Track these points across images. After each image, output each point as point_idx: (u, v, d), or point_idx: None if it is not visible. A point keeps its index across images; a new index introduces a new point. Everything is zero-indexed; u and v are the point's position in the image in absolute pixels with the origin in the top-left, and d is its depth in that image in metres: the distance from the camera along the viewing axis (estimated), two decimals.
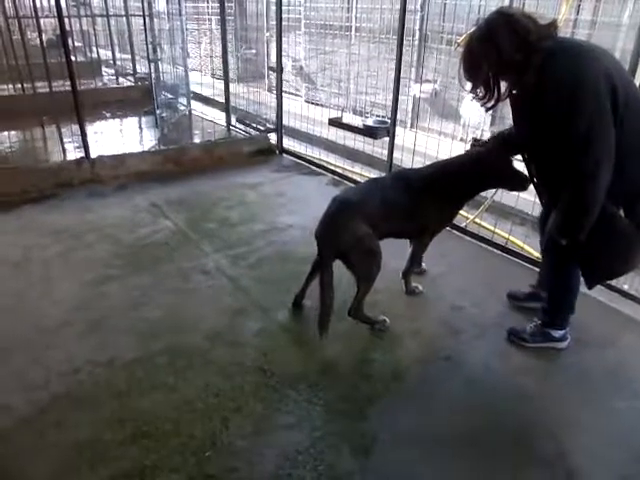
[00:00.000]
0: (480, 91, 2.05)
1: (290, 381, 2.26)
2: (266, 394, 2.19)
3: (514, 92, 2.08)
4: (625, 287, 3.01)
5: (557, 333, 2.50)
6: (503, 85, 2.05)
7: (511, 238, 3.52)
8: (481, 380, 2.34)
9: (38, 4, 6.35)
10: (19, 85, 6.77)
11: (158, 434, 1.98)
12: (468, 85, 2.08)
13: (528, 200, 3.31)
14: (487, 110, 2.13)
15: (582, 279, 2.30)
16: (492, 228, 3.65)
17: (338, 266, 2.44)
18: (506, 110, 2.29)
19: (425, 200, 2.58)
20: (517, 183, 2.52)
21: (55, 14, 4.53)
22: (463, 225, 3.73)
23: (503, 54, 1.92)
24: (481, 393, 2.27)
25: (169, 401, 2.14)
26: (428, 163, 2.83)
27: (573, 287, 2.39)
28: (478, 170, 2.55)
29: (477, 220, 3.81)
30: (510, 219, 3.87)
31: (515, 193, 3.27)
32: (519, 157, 2.46)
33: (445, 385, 2.29)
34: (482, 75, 2.00)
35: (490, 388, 2.30)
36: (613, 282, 2.99)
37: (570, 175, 1.94)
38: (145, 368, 2.32)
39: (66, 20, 4.51)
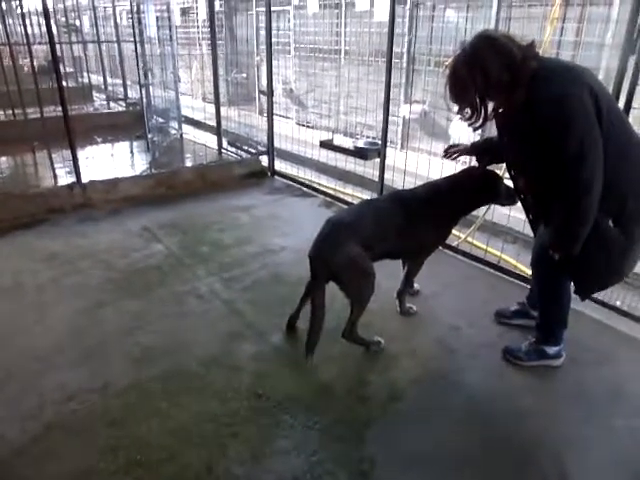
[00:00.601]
0: (467, 112, 2.09)
1: (286, 405, 2.24)
2: (262, 419, 2.17)
3: (500, 111, 2.12)
4: (618, 303, 3.03)
5: (551, 350, 2.51)
6: (490, 105, 2.10)
7: (503, 256, 3.54)
8: (479, 400, 2.33)
9: (30, 31, 6.40)
10: (10, 111, 6.79)
11: (153, 463, 1.95)
12: (455, 107, 2.11)
13: (519, 218, 3.34)
14: (475, 130, 2.17)
15: (573, 293, 2.32)
16: (484, 247, 3.67)
17: (332, 288, 2.44)
18: (494, 129, 2.33)
19: (421, 220, 2.60)
20: (507, 198, 2.59)
21: (47, 40, 4.57)
22: (455, 244, 3.75)
23: (490, 76, 1.96)
24: (479, 413, 2.26)
25: (164, 428, 2.11)
26: (420, 183, 2.87)
27: (564, 300, 2.40)
28: (470, 187, 2.59)
29: (469, 239, 3.83)
30: (502, 237, 3.90)
31: (506, 211, 3.32)
32: (506, 174, 2.51)
33: (443, 406, 2.28)
34: (470, 98, 2.04)
35: (488, 408, 2.29)
36: (606, 299, 3.02)
37: (564, 189, 1.97)
38: (139, 394, 2.29)
39: (57, 46, 4.53)
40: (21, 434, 2.07)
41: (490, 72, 1.95)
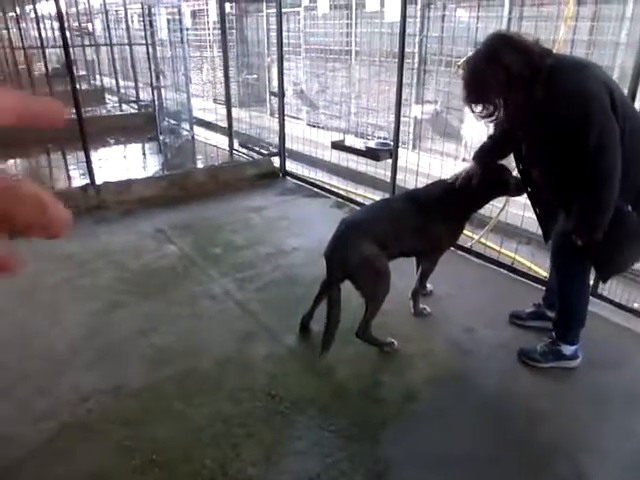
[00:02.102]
0: (487, 110, 2.11)
1: (300, 406, 2.23)
2: (276, 420, 2.16)
3: (517, 107, 2.12)
4: (635, 305, 2.99)
5: (568, 350, 2.49)
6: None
7: (517, 258, 3.51)
8: (494, 402, 2.31)
9: (43, 35, 6.47)
10: None
11: (168, 463, 1.96)
12: (473, 107, 2.12)
13: (533, 219, 3.31)
14: (492, 123, 2.22)
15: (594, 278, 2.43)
16: (498, 248, 3.64)
17: (347, 289, 2.44)
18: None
19: (436, 217, 2.61)
20: (516, 189, 2.63)
21: (60, 44, 4.61)
22: (468, 245, 3.73)
23: (511, 72, 1.98)
24: (495, 415, 2.24)
25: (178, 428, 2.12)
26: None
27: (583, 296, 2.44)
28: (482, 182, 2.60)
29: (482, 240, 3.81)
30: (515, 238, 3.87)
31: (520, 212, 3.30)
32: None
33: (458, 407, 2.27)
34: (490, 95, 2.06)
35: (503, 410, 2.27)
36: (624, 301, 2.98)
37: (585, 179, 2.02)
38: (154, 395, 2.30)
39: (71, 50, 4.57)
40: (36, 435, 2.08)
41: (511, 68, 1.98)
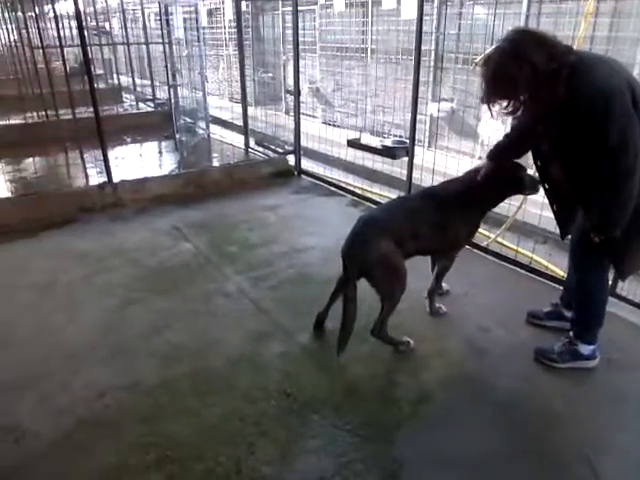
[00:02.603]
0: (512, 106, 2.09)
1: (314, 405, 2.23)
2: (290, 418, 2.16)
3: (541, 103, 2.10)
4: None
5: (586, 349, 2.45)
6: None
7: (535, 257, 3.47)
8: (510, 402, 2.28)
9: (62, 34, 6.53)
10: (43, 112, 6.95)
11: (183, 460, 1.97)
12: (503, 103, 2.09)
13: (550, 217, 3.26)
14: (513, 118, 2.21)
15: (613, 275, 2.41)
16: (515, 247, 3.60)
17: (362, 289, 2.43)
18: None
19: (453, 215, 2.61)
20: (531, 187, 2.63)
21: (78, 43, 4.65)
22: (485, 244, 3.69)
23: (537, 67, 1.96)
24: (510, 416, 2.21)
25: (193, 426, 2.13)
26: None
27: (602, 294, 2.42)
28: (498, 180, 2.60)
29: (499, 239, 3.77)
30: (533, 237, 3.82)
31: (537, 211, 3.26)
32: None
33: (473, 408, 2.25)
34: (515, 91, 2.04)
35: (519, 411, 2.24)
36: None
37: (606, 176, 2.01)
38: (169, 392, 2.32)
39: (88, 49, 4.62)
40: (54, 430, 2.10)
41: (536, 63, 1.95)
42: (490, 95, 2.08)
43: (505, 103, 2.09)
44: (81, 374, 2.43)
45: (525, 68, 1.96)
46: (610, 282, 3.00)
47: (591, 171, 2.07)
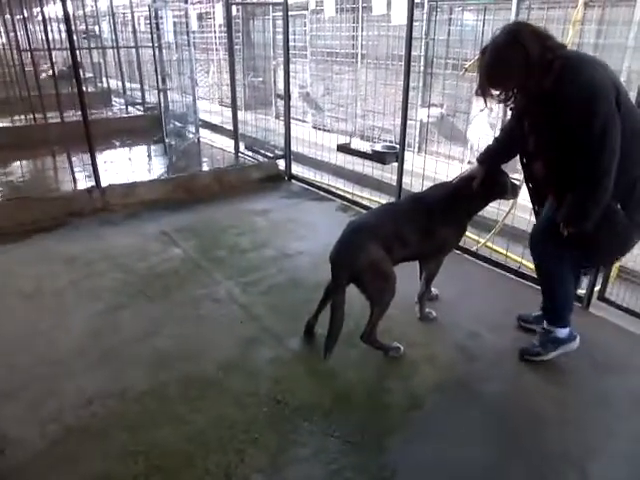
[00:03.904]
0: (506, 94, 2.18)
1: (304, 411, 2.22)
2: (281, 425, 2.15)
3: (525, 96, 2.20)
4: None
5: (562, 333, 2.53)
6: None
7: (524, 262, 3.48)
8: (500, 408, 2.29)
9: (50, 37, 6.49)
10: (31, 116, 6.89)
11: (171, 468, 1.95)
12: (496, 91, 2.17)
13: None
14: (507, 107, 2.28)
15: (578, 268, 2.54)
16: (504, 252, 3.62)
17: (351, 294, 2.42)
18: None
19: (441, 219, 2.63)
20: (513, 192, 2.73)
21: (67, 46, 4.62)
22: (474, 249, 3.70)
23: (531, 55, 2.03)
24: (501, 422, 2.22)
25: (182, 433, 2.11)
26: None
27: (567, 280, 2.49)
28: (484, 185, 2.64)
29: (489, 244, 3.78)
30: (522, 242, 3.83)
31: (527, 216, 3.28)
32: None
33: (464, 413, 2.24)
34: (510, 79, 2.11)
35: (509, 416, 2.25)
36: (631, 306, 2.96)
37: (584, 170, 2.08)
38: (157, 399, 2.29)
39: (77, 52, 4.59)
40: (41, 438, 2.07)
41: (532, 51, 2.02)
42: (485, 83, 2.15)
43: (498, 92, 2.17)
44: (68, 381, 2.40)
45: (520, 55, 2.04)
46: (598, 287, 3.04)
47: (570, 168, 2.13)
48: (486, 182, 2.64)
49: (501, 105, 2.29)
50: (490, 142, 2.69)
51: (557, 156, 2.21)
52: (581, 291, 3.02)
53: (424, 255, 2.77)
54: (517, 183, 2.77)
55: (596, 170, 2.05)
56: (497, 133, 2.77)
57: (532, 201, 2.56)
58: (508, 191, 2.71)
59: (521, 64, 2.04)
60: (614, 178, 2.06)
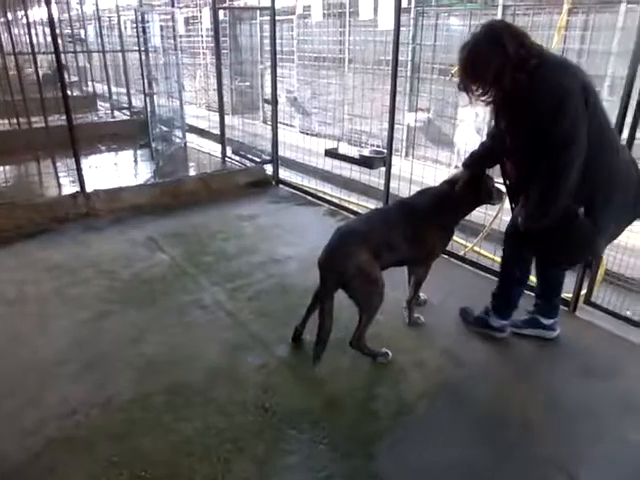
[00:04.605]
0: (479, 91, 2.21)
1: (292, 419, 2.19)
2: (268, 433, 2.12)
3: (501, 95, 2.22)
4: (628, 313, 2.98)
5: (496, 322, 2.75)
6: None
7: None
8: (489, 413, 2.28)
9: (35, 40, 6.41)
10: (15, 120, 6.79)
11: (157, 479, 1.91)
12: (474, 86, 2.20)
13: None
14: (486, 105, 2.30)
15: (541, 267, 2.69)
16: (491, 256, 3.63)
17: (340, 300, 2.41)
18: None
19: (429, 223, 2.64)
20: (498, 197, 2.77)
21: (51, 50, 4.57)
22: (462, 253, 3.71)
23: (508, 51, 2.08)
24: (489, 428, 2.21)
25: (168, 443, 2.07)
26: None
27: (521, 279, 2.68)
28: (468, 189, 2.66)
29: (476, 248, 3.79)
30: None
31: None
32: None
33: (453, 419, 2.24)
34: (487, 74, 2.14)
35: (498, 421, 2.24)
36: (617, 309, 2.98)
37: (546, 170, 2.13)
38: (143, 408, 2.25)
39: (62, 56, 4.54)
40: (22, 450, 2.02)
41: (508, 47, 2.07)
42: (464, 76, 2.21)
43: (475, 87, 2.21)
44: (52, 390, 2.35)
45: (496, 50, 2.09)
46: (584, 291, 3.06)
47: (536, 165, 2.18)
48: (472, 187, 2.65)
49: (486, 108, 2.31)
50: (476, 146, 2.71)
51: (525, 157, 2.27)
52: (568, 295, 3.03)
53: (412, 260, 2.77)
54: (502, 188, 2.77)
55: (558, 168, 2.10)
56: (484, 138, 2.78)
57: (509, 200, 2.61)
58: (494, 196, 2.74)
59: (497, 59, 2.10)
60: (577, 182, 2.11)
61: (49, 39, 4.81)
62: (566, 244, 2.31)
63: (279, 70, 5.70)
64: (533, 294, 2.86)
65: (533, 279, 2.89)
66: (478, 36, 2.16)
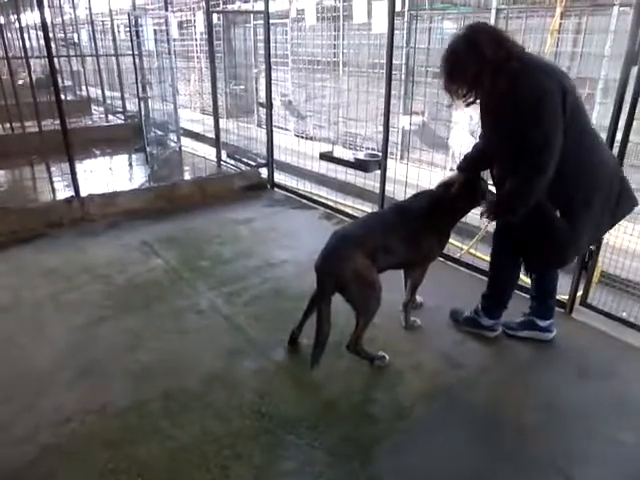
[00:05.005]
0: (461, 91, 2.26)
1: (290, 424, 2.18)
2: (265, 439, 2.11)
3: (484, 98, 2.29)
4: (624, 315, 2.99)
5: (486, 321, 2.77)
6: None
7: None
8: (485, 415, 2.28)
9: (28, 44, 6.40)
10: (8, 125, 6.77)
11: None
12: (453, 87, 2.26)
13: None
14: (467, 106, 2.33)
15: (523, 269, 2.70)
16: (487, 258, 3.62)
17: (337, 304, 2.40)
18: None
19: (426, 226, 2.64)
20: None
21: (44, 54, 4.55)
22: (457, 256, 3.71)
23: (486, 54, 2.13)
24: (486, 429, 2.22)
25: (165, 449, 2.06)
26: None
27: (510, 277, 2.72)
28: (466, 192, 2.67)
29: (472, 250, 3.79)
30: None
31: None
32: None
33: (449, 422, 2.23)
34: (465, 75, 2.20)
35: (495, 423, 2.24)
36: (613, 311, 2.98)
37: (520, 169, 2.17)
38: (139, 414, 2.24)
39: (56, 60, 4.52)
40: (17, 458, 2.01)
41: (486, 50, 2.13)
42: (445, 80, 2.27)
43: (455, 88, 2.26)
44: (46, 397, 2.33)
45: (474, 53, 2.14)
46: (580, 292, 3.07)
47: (511, 167, 2.24)
48: (467, 189, 2.65)
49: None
50: (470, 149, 2.72)
51: (507, 158, 2.31)
52: (564, 296, 3.04)
53: (409, 263, 2.77)
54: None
55: (537, 168, 2.13)
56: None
57: None
58: (487, 198, 2.72)
59: (474, 62, 2.15)
60: (556, 182, 2.15)
61: (42, 43, 4.81)
62: (546, 245, 2.36)
63: (273, 73, 5.70)
64: (528, 296, 2.87)
65: (527, 280, 2.91)
66: (457, 39, 2.22)
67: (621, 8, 4.79)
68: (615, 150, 2.68)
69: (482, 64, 2.14)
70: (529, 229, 2.35)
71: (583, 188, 2.24)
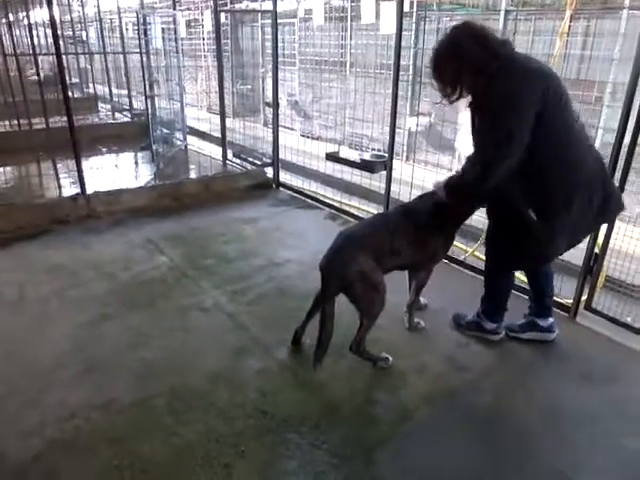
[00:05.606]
0: (447, 89, 2.28)
1: (292, 424, 2.19)
2: (268, 438, 2.12)
3: (472, 96, 2.30)
4: (628, 320, 2.98)
5: (489, 325, 2.77)
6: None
7: None
8: (488, 419, 2.28)
9: (36, 42, 6.42)
10: (15, 121, 6.79)
11: None
12: (439, 86, 2.29)
13: None
14: (451, 103, 2.35)
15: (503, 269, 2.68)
16: None
17: (341, 304, 2.40)
18: None
19: (431, 228, 2.63)
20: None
21: (52, 51, 4.57)
22: (462, 258, 3.71)
23: (466, 54, 2.15)
24: (490, 432, 2.21)
25: (168, 446, 2.06)
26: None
27: (505, 278, 2.71)
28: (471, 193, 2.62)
29: (476, 252, 3.79)
30: None
31: None
32: None
33: (453, 425, 2.23)
34: (448, 75, 2.23)
35: (498, 427, 2.23)
36: (617, 316, 2.97)
37: (478, 158, 2.25)
38: (143, 411, 2.25)
39: (64, 57, 4.54)
40: (22, 452, 2.02)
41: (467, 50, 2.14)
42: (433, 78, 2.30)
43: (441, 86, 2.29)
44: (51, 393, 2.34)
45: (455, 53, 2.18)
46: (584, 297, 3.06)
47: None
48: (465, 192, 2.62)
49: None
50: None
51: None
52: (568, 300, 3.03)
53: (414, 265, 2.77)
54: None
55: (494, 160, 2.15)
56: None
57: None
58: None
59: (454, 62, 2.18)
60: (528, 189, 2.22)
61: (50, 40, 4.83)
62: (529, 246, 2.38)
63: (280, 73, 5.71)
64: (527, 297, 2.87)
65: (525, 279, 2.91)
66: (442, 39, 2.24)
67: (631, 11, 4.77)
68: (622, 152, 2.68)
69: (461, 64, 2.17)
70: (505, 227, 2.41)
71: (560, 194, 2.23)
